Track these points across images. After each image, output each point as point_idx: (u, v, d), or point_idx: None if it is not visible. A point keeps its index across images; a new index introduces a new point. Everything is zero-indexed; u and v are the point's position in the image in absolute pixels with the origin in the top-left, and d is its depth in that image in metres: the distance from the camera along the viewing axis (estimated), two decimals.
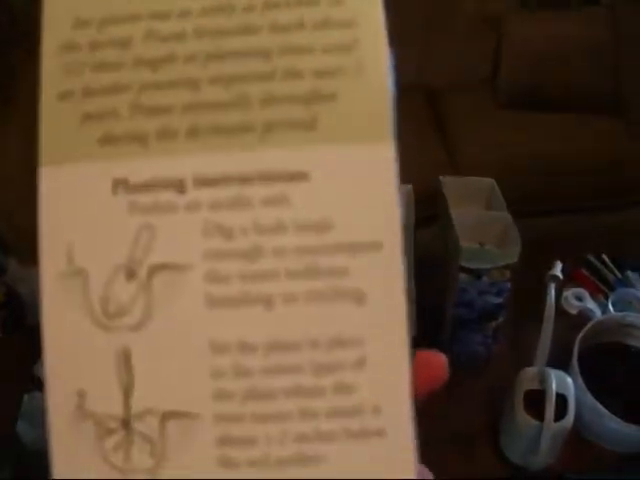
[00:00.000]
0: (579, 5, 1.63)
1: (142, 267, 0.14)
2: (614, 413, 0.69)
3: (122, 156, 0.14)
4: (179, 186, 0.14)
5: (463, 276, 0.72)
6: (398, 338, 0.14)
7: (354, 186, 0.14)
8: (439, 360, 0.18)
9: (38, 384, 0.76)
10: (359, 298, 0.14)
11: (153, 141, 0.14)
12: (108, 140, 0.14)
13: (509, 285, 0.73)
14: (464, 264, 0.71)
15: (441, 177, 0.80)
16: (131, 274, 0.14)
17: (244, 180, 0.14)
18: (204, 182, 0.14)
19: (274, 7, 0.14)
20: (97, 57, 0.14)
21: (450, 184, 0.79)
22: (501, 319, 0.78)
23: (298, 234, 0.14)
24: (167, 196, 0.14)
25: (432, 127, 1.55)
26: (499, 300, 0.74)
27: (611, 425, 0.70)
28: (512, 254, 0.70)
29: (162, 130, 0.14)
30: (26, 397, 0.81)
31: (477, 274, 0.71)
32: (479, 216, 0.76)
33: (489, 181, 0.80)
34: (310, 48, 0.14)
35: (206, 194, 0.14)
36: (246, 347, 0.14)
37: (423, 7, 1.59)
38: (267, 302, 0.14)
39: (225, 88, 0.14)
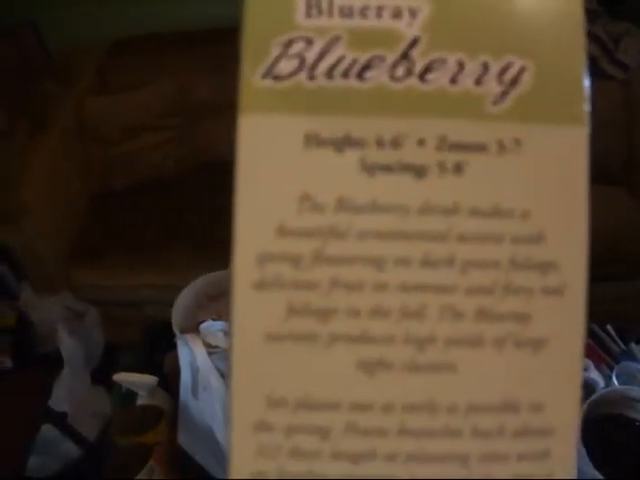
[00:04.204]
0: (594, 79, 1.67)
1: None
2: None
3: None
4: None
5: None
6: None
7: None
8: None
9: (53, 417, 0.75)
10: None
11: None
12: None
13: None
14: None
15: None
16: None
17: None
18: None
19: (476, 411, 0.14)
20: (293, 442, 0.14)
21: None
22: None
23: None
24: None
25: None
26: None
27: None
28: None
29: None
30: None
31: None
32: None
33: None
34: (506, 455, 0.14)
35: None
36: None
37: None
38: None
39: None
